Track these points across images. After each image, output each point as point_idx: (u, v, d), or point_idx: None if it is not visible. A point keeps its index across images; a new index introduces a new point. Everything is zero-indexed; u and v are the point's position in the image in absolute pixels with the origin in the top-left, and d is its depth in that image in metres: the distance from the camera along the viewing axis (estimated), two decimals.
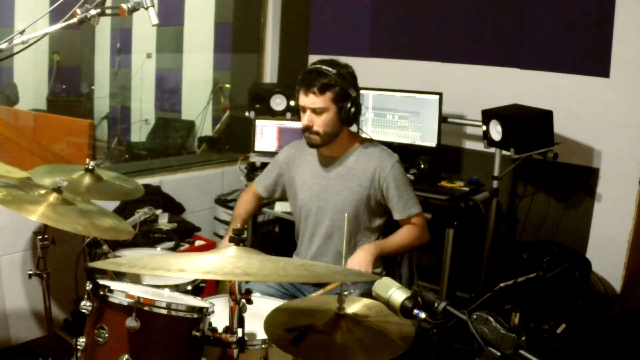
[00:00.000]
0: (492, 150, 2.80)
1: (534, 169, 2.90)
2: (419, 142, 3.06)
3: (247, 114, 3.42)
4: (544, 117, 2.64)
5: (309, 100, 2.02)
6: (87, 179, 2.09)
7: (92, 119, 4.85)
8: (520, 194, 3.01)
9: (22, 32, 1.41)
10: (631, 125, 2.63)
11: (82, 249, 1.83)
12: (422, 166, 2.95)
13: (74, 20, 1.45)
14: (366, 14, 3.53)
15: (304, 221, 2.22)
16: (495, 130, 2.69)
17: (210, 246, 3.13)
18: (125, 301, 1.34)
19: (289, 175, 2.25)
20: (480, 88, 3.09)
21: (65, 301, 2.78)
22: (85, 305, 1.39)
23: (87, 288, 1.39)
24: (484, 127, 2.74)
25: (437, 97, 2.96)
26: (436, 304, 1.16)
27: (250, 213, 2.37)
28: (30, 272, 1.98)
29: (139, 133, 5.15)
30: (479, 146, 2.94)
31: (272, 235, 3.59)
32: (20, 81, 4.54)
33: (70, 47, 5.01)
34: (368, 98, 3.19)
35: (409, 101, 3.07)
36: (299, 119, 2.09)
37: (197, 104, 4.68)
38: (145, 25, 1.57)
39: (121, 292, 1.36)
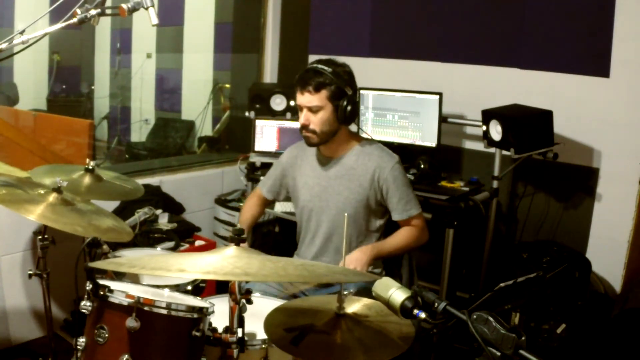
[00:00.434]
0: (492, 150, 2.80)
1: (534, 169, 2.90)
2: (419, 142, 3.06)
3: (247, 114, 3.42)
4: (544, 117, 2.64)
5: (305, 98, 2.03)
6: (87, 179, 2.09)
7: (92, 119, 4.85)
8: (520, 194, 3.01)
9: (22, 32, 1.41)
10: (631, 125, 2.63)
11: (82, 249, 1.83)
12: (422, 166, 2.95)
13: (74, 20, 1.45)
14: (366, 14, 3.53)
15: (305, 222, 2.22)
16: (495, 130, 2.69)
17: (210, 246, 3.13)
18: (125, 301, 1.34)
19: (291, 176, 2.26)
20: (480, 88, 3.09)
21: (65, 301, 2.78)
22: (85, 305, 1.39)
23: (87, 288, 1.39)
24: (484, 127, 2.74)
25: (437, 97, 2.96)
26: (436, 304, 1.16)
27: (256, 217, 2.36)
28: (30, 272, 1.98)
29: (139, 133, 5.15)
30: (479, 146, 2.94)
31: (272, 235, 3.58)
32: (20, 81, 4.54)
33: (70, 47, 5.01)
34: (368, 98, 3.19)
35: (409, 101, 3.07)
36: (298, 119, 2.10)
37: (197, 104, 4.68)
38: (145, 25, 1.57)
39: (121, 292, 1.36)
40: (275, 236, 3.59)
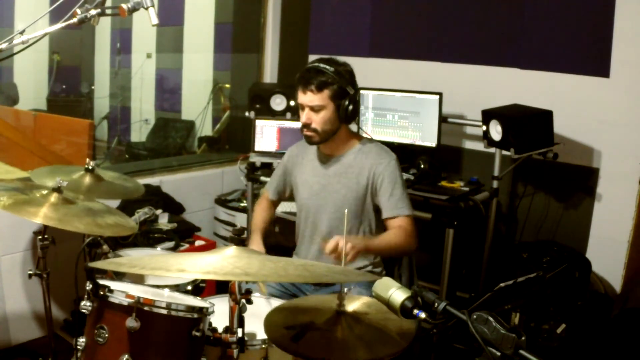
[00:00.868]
0: (492, 150, 2.80)
1: (534, 169, 2.90)
2: (419, 142, 3.06)
3: (247, 114, 3.42)
4: (544, 117, 2.64)
5: (307, 98, 2.02)
6: (87, 179, 2.10)
7: (92, 119, 4.85)
8: (520, 194, 3.01)
9: (22, 32, 1.41)
10: (631, 125, 2.63)
11: (82, 249, 1.83)
12: (422, 166, 2.95)
13: (74, 20, 1.45)
14: (366, 14, 3.53)
15: (304, 220, 2.22)
16: (495, 130, 2.69)
17: (210, 246, 3.13)
18: (125, 301, 1.34)
19: (293, 174, 2.26)
20: (480, 88, 3.09)
21: (65, 301, 2.78)
22: (85, 305, 1.39)
23: (87, 288, 1.39)
24: (484, 127, 2.74)
25: (437, 97, 2.96)
26: (436, 304, 1.16)
27: (267, 221, 2.34)
28: (30, 272, 1.98)
29: (139, 133, 5.15)
30: (479, 146, 2.94)
31: (272, 235, 3.58)
32: (20, 81, 4.53)
33: (70, 47, 5.01)
34: (368, 98, 3.19)
35: (409, 101, 3.07)
36: (299, 118, 2.10)
37: (197, 104, 4.68)
38: (145, 25, 1.57)
39: (121, 292, 1.36)
40: (275, 236, 3.59)
